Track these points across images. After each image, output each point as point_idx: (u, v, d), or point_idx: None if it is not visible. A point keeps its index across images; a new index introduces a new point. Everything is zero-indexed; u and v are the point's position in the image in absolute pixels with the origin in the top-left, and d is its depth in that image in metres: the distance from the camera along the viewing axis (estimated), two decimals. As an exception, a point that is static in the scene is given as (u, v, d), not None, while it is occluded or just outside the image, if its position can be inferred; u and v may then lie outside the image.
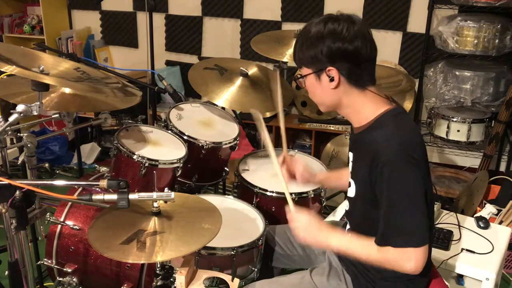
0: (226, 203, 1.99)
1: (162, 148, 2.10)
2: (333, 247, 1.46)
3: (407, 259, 1.31)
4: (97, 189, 1.55)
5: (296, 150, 2.46)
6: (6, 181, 1.24)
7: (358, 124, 1.44)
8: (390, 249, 1.33)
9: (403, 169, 1.29)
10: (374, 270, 1.47)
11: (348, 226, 1.61)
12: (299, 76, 1.44)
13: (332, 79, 1.36)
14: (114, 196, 1.30)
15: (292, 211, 1.49)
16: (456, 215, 2.22)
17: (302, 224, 1.45)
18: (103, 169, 2.19)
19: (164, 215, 1.47)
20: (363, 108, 1.40)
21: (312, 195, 2.10)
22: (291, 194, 2.04)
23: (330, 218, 2.30)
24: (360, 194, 1.45)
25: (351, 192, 1.49)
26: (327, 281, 1.54)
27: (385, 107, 1.40)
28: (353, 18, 1.35)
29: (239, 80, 2.38)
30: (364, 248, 1.40)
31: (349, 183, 1.51)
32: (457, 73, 3.06)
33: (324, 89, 1.39)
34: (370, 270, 1.48)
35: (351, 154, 1.52)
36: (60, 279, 1.97)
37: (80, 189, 2.02)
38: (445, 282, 1.58)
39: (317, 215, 1.49)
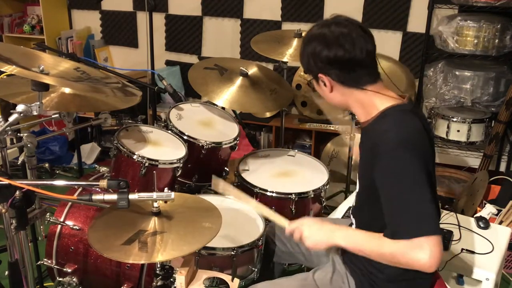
0: (226, 203, 1.99)
1: (162, 148, 2.10)
2: (340, 243, 1.37)
3: (420, 250, 1.21)
4: (97, 189, 1.55)
5: (296, 150, 2.46)
6: (6, 181, 1.24)
7: (363, 119, 1.46)
8: (402, 242, 1.26)
9: (402, 159, 1.27)
10: (377, 271, 1.44)
11: (353, 225, 1.60)
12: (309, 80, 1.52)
13: (325, 85, 1.43)
14: (114, 196, 1.30)
15: (288, 225, 1.49)
16: (456, 215, 2.22)
17: (305, 228, 1.42)
18: (103, 169, 2.19)
19: (164, 215, 1.47)
20: (368, 104, 1.42)
21: (312, 195, 2.10)
22: (289, 194, 2.06)
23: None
24: (364, 188, 1.46)
25: (358, 187, 1.51)
26: (330, 284, 1.53)
27: (390, 103, 1.39)
28: (340, 22, 1.36)
29: (239, 80, 2.38)
30: (374, 240, 1.32)
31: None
32: (457, 73, 3.06)
33: (324, 92, 1.47)
34: (374, 272, 1.46)
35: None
36: (60, 279, 1.97)
37: (80, 189, 2.01)
38: (446, 284, 1.57)
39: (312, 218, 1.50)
